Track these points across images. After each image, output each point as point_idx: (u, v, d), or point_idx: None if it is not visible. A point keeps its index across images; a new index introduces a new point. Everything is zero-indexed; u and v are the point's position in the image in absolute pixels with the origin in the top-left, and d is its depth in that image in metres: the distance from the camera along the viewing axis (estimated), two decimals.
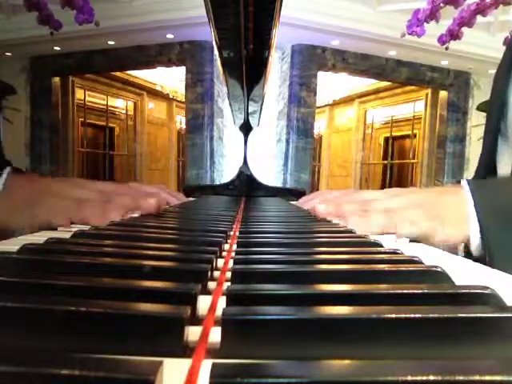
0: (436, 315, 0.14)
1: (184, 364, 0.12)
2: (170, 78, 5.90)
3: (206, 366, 0.11)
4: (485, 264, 0.30)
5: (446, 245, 0.41)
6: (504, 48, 0.71)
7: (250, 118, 1.16)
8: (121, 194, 0.49)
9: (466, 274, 0.24)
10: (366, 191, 0.54)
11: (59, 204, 0.42)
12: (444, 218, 0.41)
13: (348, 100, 6.46)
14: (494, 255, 0.38)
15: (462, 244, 0.42)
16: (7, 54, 4.61)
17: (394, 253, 0.27)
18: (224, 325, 0.13)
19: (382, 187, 5.22)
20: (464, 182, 0.42)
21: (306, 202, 0.72)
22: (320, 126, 6.61)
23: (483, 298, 0.16)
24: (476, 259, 0.36)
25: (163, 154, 6.56)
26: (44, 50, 4.58)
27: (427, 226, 0.41)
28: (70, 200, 0.44)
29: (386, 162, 6.33)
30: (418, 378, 0.10)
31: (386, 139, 6.35)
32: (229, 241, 0.34)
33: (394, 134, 6.20)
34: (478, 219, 0.39)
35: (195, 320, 0.15)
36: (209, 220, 0.48)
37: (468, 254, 0.40)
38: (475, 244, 0.39)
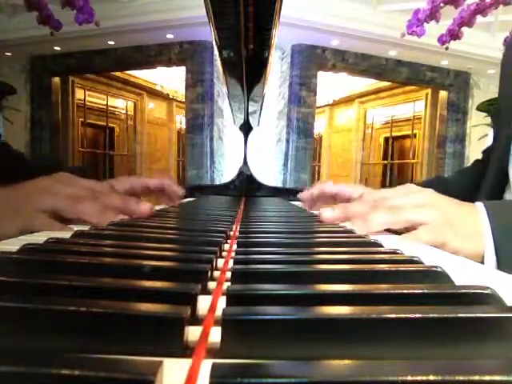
0: (436, 315, 0.13)
1: (184, 364, 0.12)
2: (170, 78, 5.90)
3: (206, 366, 0.11)
4: None
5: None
6: (504, 48, 0.69)
7: (250, 118, 1.16)
8: (110, 195, 0.46)
9: (466, 274, 0.24)
10: (374, 191, 0.50)
11: (51, 202, 0.39)
12: (459, 228, 0.39)
13: (348, 100, 6.46)
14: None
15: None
16: (7, 53, 4.61)
17: (394, 253, 0.27)
18: (224, 325, 0.13)
19: (382, 187, 5.22)
20: (479, 203, 0.41)
21: (305, 195, 0.70)
22: (320, 125, 6.61)
23: (483, 297, 0.16)
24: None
25: (163, 154, 6.55)
26: (44, 50, 4.58)
27: (442, 233, 0.38)
28: (62, 197, 0.40)
29: (386, 161, 6.33)
30: (418, 378, 0.10)
31: (386, 139, 6.35)
32: (229, 241, 0.34)
33: (394, 134, 6.20)
34: (493, 238, 0.37)
35: (195, 320, 0.15)
36: (209, 220, 0.48)
37: None
38: (490, 263, 0.38)
